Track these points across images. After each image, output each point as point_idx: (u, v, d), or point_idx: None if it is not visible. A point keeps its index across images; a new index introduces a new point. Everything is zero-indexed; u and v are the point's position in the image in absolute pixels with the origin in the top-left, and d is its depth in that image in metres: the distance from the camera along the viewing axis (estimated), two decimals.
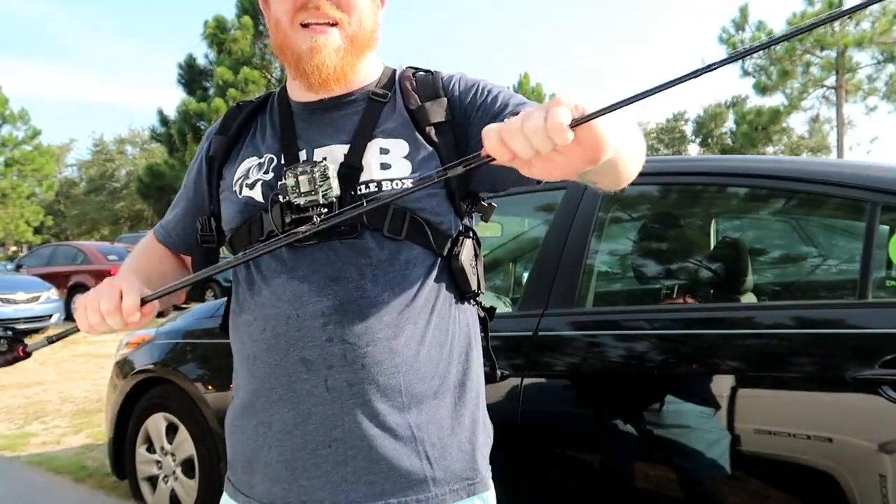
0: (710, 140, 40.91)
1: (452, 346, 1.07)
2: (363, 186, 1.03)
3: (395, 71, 1.17)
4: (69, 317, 12.38)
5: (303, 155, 1.07)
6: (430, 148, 1.07)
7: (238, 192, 1.09)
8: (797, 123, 34.13)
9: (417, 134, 1.07)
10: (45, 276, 11.86)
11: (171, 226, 1.26)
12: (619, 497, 1.92)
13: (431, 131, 1.07)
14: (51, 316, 10.70)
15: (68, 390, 6.42)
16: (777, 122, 22.05)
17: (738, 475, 1.73)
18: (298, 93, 1.13)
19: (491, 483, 1.10)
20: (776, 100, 21.56)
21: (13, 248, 32.61)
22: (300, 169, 1.00)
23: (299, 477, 1.00)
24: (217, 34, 17.54)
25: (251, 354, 1.05)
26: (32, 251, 16.09)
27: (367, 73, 1.13)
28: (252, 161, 1.11)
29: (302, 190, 1.00)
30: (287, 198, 1.01)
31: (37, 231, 28.23)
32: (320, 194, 0.99)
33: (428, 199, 1.05)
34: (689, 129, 45.75)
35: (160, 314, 1.29)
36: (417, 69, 1.17)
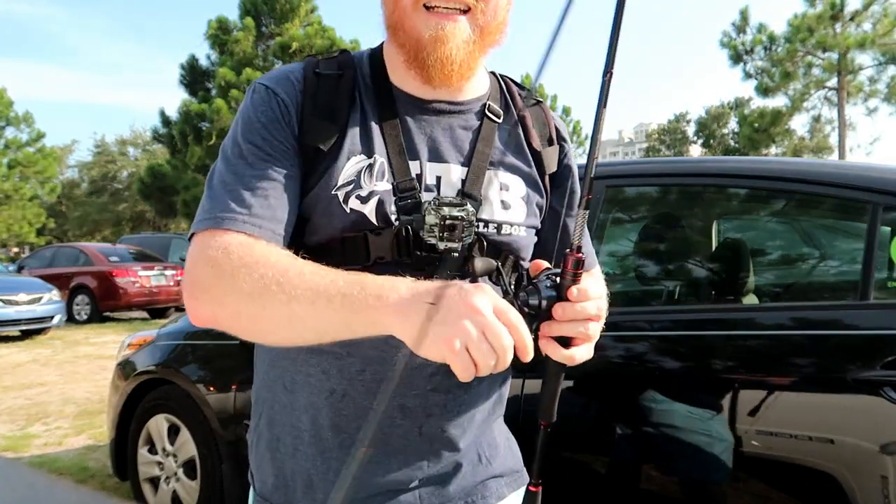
0: (712, 141, 40.89)
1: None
2: (482, 224, 0.94)
3: (499, 81, 1.06)
4: (71, 318, 12.42)
5: (414, 167, 0.93)
6: (543, 197, 1.01)
7: (343, 202, 0.89)
8: (799, 125, 34.19)
9: (538, 178, 1.00)
10: (46, 278, 11.86)
11: (280, 217, 0.87)
12: (620, 498, 1.92)
13: (546, 180, 1.01)
14: (52, 317, 10.69)
15: (70, 391, 6.43)
16: (779, 124, 22.02)
17: (740, 476, 1.73)
18: (406, 81, 0.96)
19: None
20: (778, 101, 21.58)
21: (15, 250, 32.67)
22: (447, 212, 0.89)
23: None
24: (219, 35, 17.56)
25: (338, 390, 0.95)
26: (34, 252, 16.10)
27: (481, 75, 1.01)
28: (360, 161, 0.91)
29: (445, 235, 0.89)
30: (420, 233, 0.89)
31: (39, 232, 28.27)
32: (463, 242, 0.90)
33: (530, 248, 1.01)
34: (690, 130, 45.75)
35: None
36: (515, 82, 1.08)
